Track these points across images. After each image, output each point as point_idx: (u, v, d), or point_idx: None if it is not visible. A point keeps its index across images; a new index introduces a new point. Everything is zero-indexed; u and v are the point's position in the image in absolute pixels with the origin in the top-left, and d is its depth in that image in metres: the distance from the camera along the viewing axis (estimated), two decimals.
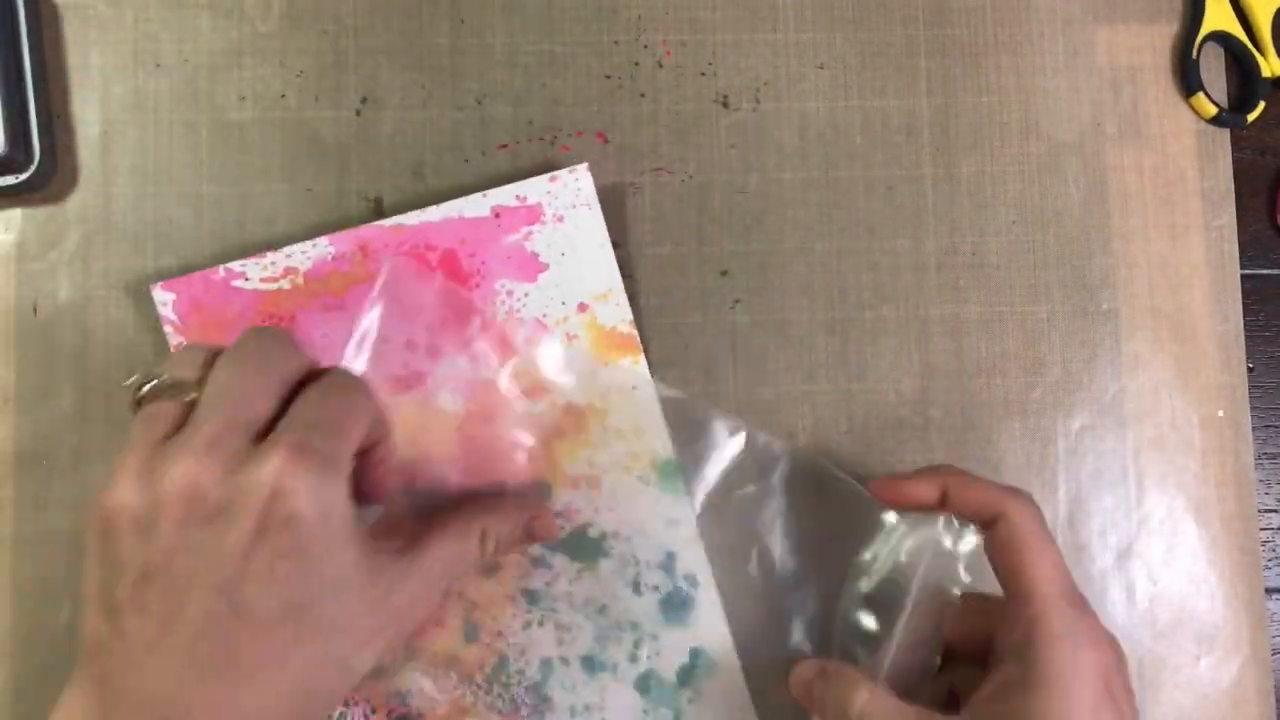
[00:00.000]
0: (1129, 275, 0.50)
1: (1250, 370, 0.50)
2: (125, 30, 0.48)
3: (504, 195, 0.47)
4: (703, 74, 0.50)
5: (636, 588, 0.46)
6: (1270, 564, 0.50)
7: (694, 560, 0.46)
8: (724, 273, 0.49)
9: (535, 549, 0.46)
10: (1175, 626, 0.49)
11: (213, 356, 0.35)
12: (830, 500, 0.45)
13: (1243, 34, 0.51)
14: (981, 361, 0.49)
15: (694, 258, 0.49)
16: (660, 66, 0.50)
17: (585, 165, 0.47)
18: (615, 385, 0.47)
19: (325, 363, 0.37)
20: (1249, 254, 0.51)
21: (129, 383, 0.35)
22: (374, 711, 0.45)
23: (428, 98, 0.49)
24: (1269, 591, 0.50)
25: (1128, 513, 0.49)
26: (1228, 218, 0.51)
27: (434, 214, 0.47)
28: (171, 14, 0.49)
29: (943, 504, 0.40)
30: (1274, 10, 0.51)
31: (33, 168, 0.46)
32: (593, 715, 0.45)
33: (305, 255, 0.47)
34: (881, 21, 0.51)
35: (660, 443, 0.46)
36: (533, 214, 0.47)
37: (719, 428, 0.47)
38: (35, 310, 0.47)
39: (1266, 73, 0.51)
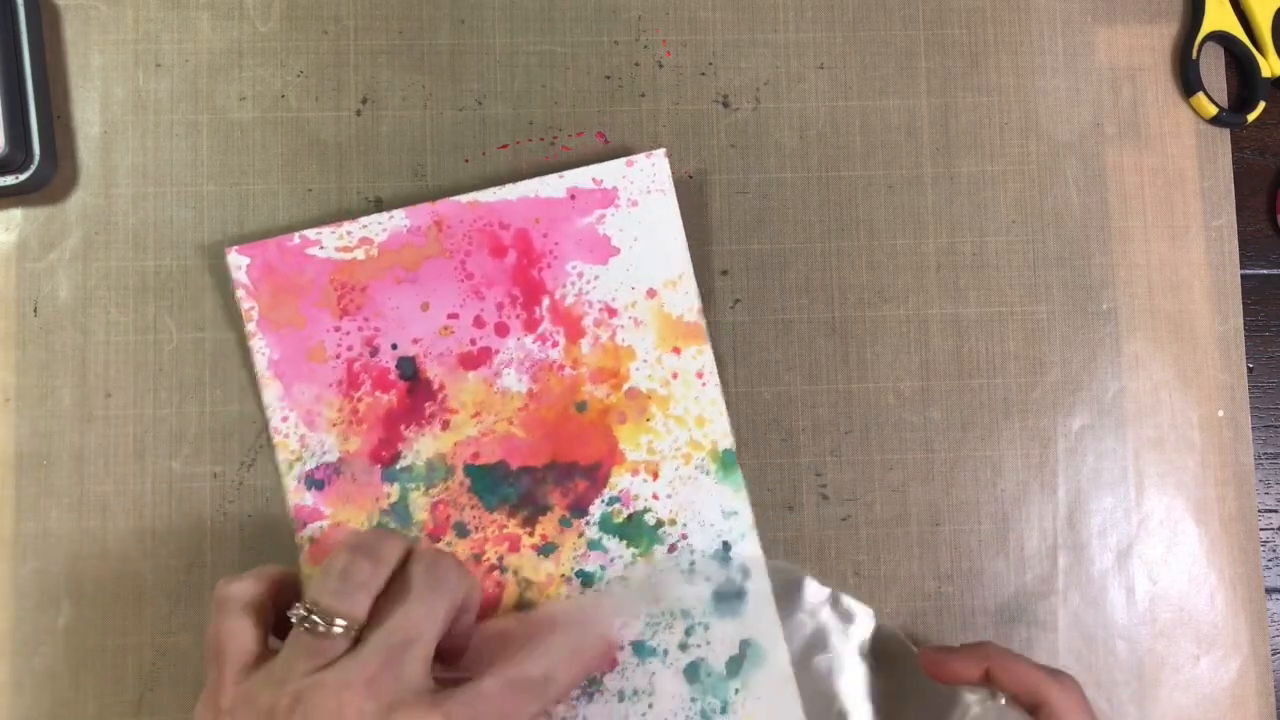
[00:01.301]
0: (1129, 275, 0.50)
1: (1250, 370, 0.50)
2: (125, 30, 0.48)
3: (580, 177, 0.47)
4: (703, 74, 0.50)
5: (690, 576, 0.46)
6: (1270, 564, 0.50)
7: (748, 553, 0.46)
8: (724, 273, 0.49)
9: (592, 531, 0.46)
10: (1175, 626, 0.49)
11: (381, 581, 0.37)
12: (909, 671, 0.45)
13: (1243, 34, 0.51)
14: (981, 361, 0.49)
15: (694, 258, 0.49)
16: (660, 66, 0.50)
17: (663, 150, 0.47)
18: (680, 373, 0.47)
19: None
20: (1249, 254, 0.51)
21: (294, 611, 0.36)
22: None
23: (428, 98, 0.49)
24: (1269, 591, 0.50)
25: (1128, 513, 0.49)
26: (1228, 218, 0.51)
27: (510, 192, 0.47)
28: (171, 14, 0.49)
29: (986, 681, 0.41)
30: (1274, 10, 0.51)
31: (33, 168, 0.46)
32: (641, 700, 0.45)
33: (381, 227, 0.47)
34: (881, 21, 0.51)
35: (721, 433, 0.47)
36: (608, 197, 0.47)
37: (807, 591, 0.46)
38: (35, 310, 0.47)
39: (1266, 73, 0.51)
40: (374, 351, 0.46)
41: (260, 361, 0.46)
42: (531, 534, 0.46)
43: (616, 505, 0.46)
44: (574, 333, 0.47)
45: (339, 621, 0.36)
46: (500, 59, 0.49)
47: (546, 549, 0.46)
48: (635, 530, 0.46)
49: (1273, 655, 0.49)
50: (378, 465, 0.46)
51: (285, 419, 0.46)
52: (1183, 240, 0.50)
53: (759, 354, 0.49)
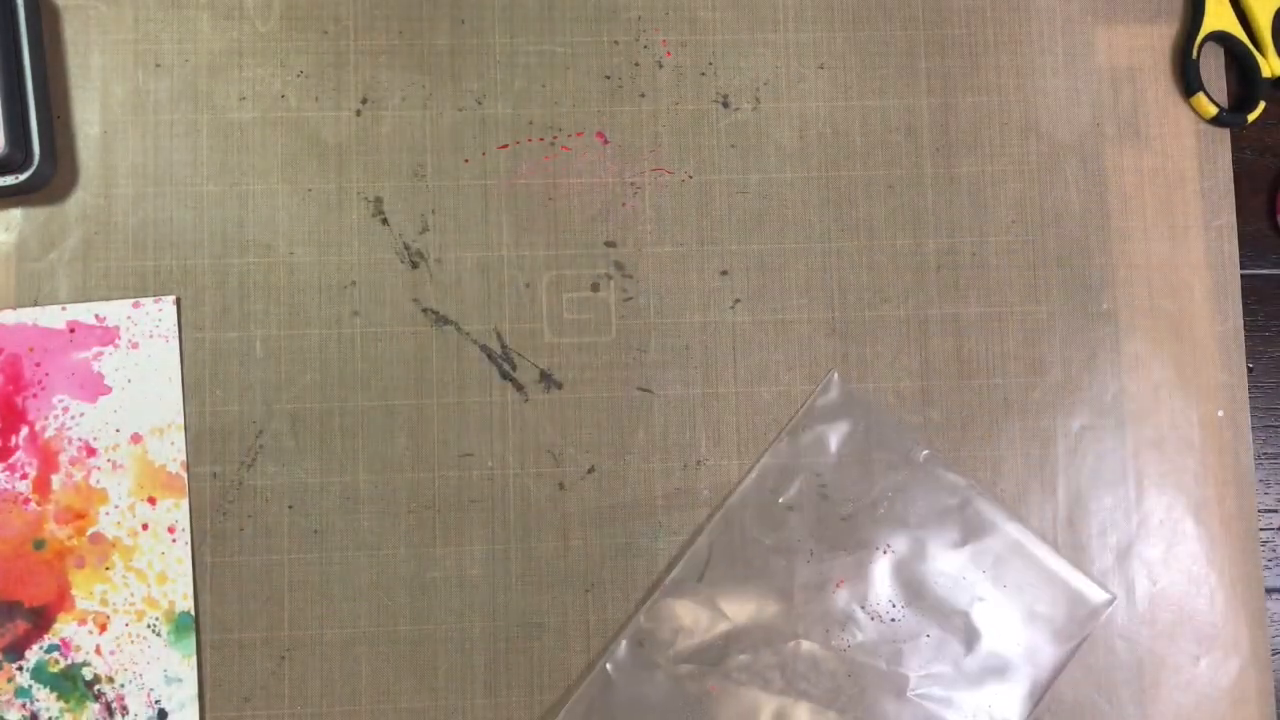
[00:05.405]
0: (1129, 275, 0.50)
1: (1250, 370, 0.50)
2: (125, 30, 0.48)
3: (83, 312, 0.46)
4: (703, 74, 0.50)
5: None
6: (1270, 564, 0.50)
7: None
8: (724, 273, 0.49)
9: (23, 678, 0.44)
10: (1175, 626, 0.49)
11: None
12: None
13: (1243, 34, 0.51)
14: (981, 361, 0.49)
15: (694, 258, 0.49)
16: (660, 66, 0.50)
17: (173, 298, 0.46)
18: (151, 524, 0.45)
19: None
20: (1249, 254, 0.51)
21: None
22: None
23: (428, 98, 0.49)
24: (1269, 591, 0.50)
25: (1127, 513, 0.49)
26: (1228, 218, 0.51)
27: (8, 318, 0.46)
28: (171, 14, 0.49)
29: None
30: (1274, 10, 0.51)
31: (33, 168, 0.46)
32: None
33: None
34: (881, 21, 0.51)
35: (181, 594, 0.45)
36: (108, 335, 0.46)
37: None
38: None
39: (1266, 73, 0.51)
40: None
41: None
42: None
43: (55, 654, 0.45)
44: (48, 467, 0.45)
45: None
46: (500, 59, 0.49)
47: None
48: (69, 684, 0.44)
49: (1273, 655, 0.49)
50: None
51: None
52: (1183, 240, 0.50)
53: (759, 354, 0.49)
